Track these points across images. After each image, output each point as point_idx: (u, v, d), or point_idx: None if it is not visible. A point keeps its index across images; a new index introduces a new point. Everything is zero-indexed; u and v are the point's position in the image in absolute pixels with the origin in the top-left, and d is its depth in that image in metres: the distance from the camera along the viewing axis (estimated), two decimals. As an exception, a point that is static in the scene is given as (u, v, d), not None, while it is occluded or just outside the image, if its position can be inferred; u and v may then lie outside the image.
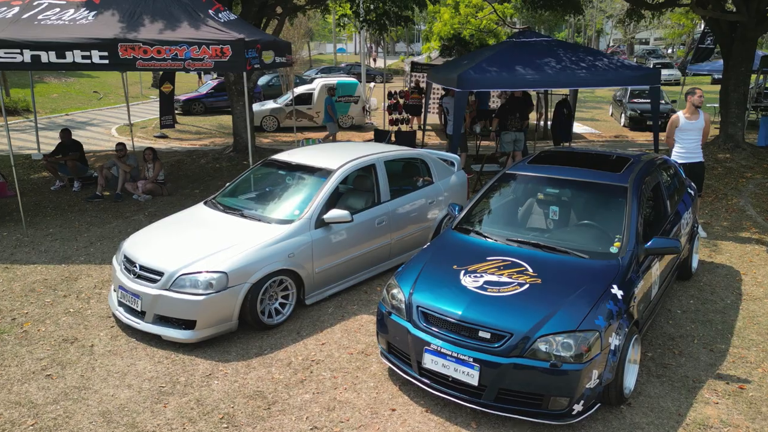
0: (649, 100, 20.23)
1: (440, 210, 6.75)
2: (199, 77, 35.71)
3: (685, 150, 7.20)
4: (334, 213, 5.34)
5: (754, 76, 15.88)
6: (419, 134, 14.18)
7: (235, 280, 4.67)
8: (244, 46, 6.98)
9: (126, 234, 7.22)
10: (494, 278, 4.04)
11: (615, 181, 4.77)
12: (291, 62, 9.35)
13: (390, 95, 17.39)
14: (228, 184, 6.32)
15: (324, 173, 5.72)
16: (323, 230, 5.37)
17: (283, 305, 5.15)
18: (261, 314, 4.91)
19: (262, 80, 28.83)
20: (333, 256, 5.47)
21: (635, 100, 20.19)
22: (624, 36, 46.36)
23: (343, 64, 38.16)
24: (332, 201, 5.69)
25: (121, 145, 9.62)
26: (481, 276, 4.08)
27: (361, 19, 13.54)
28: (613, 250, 4.26)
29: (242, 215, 5.49)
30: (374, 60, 52.84)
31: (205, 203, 5.96)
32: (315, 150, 6.65)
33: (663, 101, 20.38)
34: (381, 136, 11.95)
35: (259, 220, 5.34)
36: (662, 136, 8.52)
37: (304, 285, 5.26)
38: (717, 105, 21.26)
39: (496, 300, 3.84)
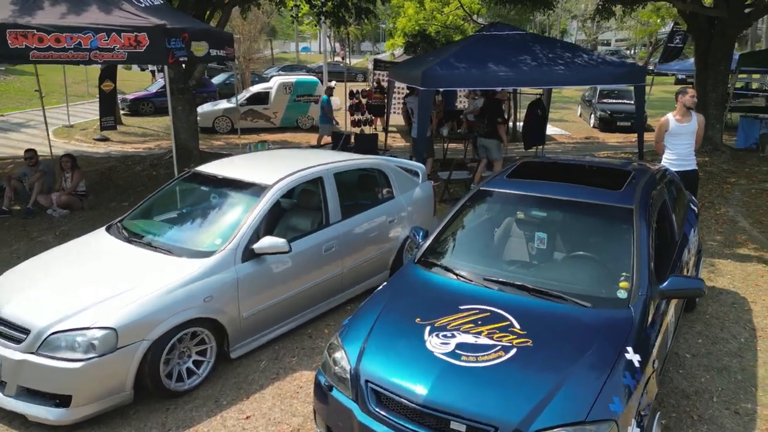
0: (619, 101, 19.88)
1: (403, 228, 5.71)
2: (153, 75, 33.86)
3: (676, 156, 6.35)
4: (267, 242, 4.23)
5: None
6: (383, 136, 13.14)
7: (128, 337, 3.52)
8: (164, 34, 5.80)
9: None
10: (470, 339, 3.00)
11: (617, 202, 3.80)
12: (232, 57, 8.17)
13: (352, 95, 16.32)
14: (141, 202, 5.14)
15: (257, 190, 4.60)
16: (253, 264, 4.26)
17: (198, 363, 4.01)
18: (167, 378, 3.77)
19: (218, 78, 27.34)
20: (267, 295, 4.36)
21: (605, 101, 19.62)
22: (588, 37, 46.38)
23: (316, 65, 36.02)
24: (267, 225, 4.58)
25: (30, 152, 8.27)
26: (453, 335, 3.04)
27: (316, 11, 12.40)
28: (621, 294, 3.28)
29: (149, 245, 4.32)
30: (342, 58, 51.59)
31: (108, 229, 4.75)
32: (253, 160, 5.53)
33: (632, 101, 19.90)
34: (339, 139, 10.87)
35: (170, 253, 4.18)
36: (649, 137, 7.70)
37: (228, 335, 4.13)
38: (686, 105, 21.02)
39: (474, 373, 2.80)
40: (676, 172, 6.26)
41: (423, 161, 7.41)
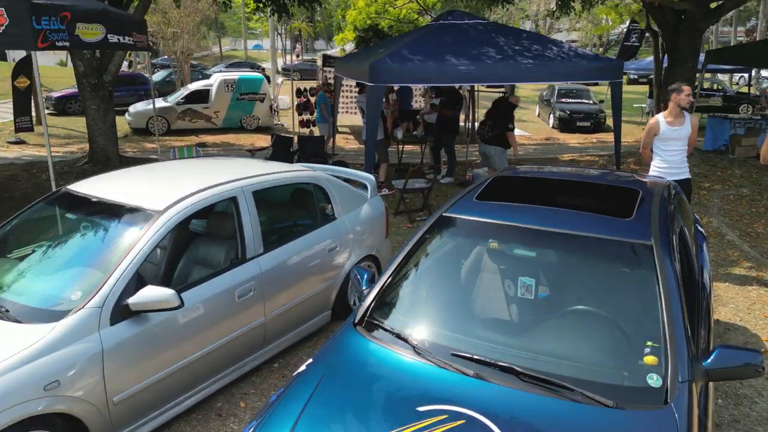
0: (578, 101, 19.34)
1: (348, 256, 4.59)
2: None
3: (667, 165, 5.46)
4: (148, 294, 3.01)
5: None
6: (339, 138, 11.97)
7: None
8: (31, 11, 4.46)
9: None
10: (434, 474, 1.89)
11: (630, 235, 2.77)
12: (144, 46, 6.83)
13: (299, 93, 15.05)
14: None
15: (141, 218, 3.37)
16: (129, 326, 3.03)
17: (40, 481, 2.76)
18: None
19: (158, 75, 25.49)
20: (150, 368, 3.13)
21: (564, 100, 19.06)
22: (542, 36, 46.45)
23: (293, 64, 33.32)
24: (154, 268, 3.36)
25: None
26: (407, 467, 1.93)
27: (253, -3, 11.11)
28: (653, 381, 2.23)
29: (-24, 303, 3.02)
30: (297, 55, 49.93)
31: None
32: (150, 174, 4.26)
33: (591, 101, 19.43)
34: (282, 144, 9.62)
35: (4, 313, 2.91)
36: (628, 141, 6.81)
37: (89, 430, 2.89)
38: (644, 105, 20.71)
39: None
40: (668, 182, 5.40)
41: (374, 168, 6.29)
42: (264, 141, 15.74)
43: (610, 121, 19.61)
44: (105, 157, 9.77)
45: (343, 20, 17.32)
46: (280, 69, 41.83)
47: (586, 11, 15.70)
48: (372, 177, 5.34)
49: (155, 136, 13.84)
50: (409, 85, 10.59)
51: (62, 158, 11.56)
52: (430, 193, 7.89)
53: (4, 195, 8.53)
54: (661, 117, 5.41)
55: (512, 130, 7.89)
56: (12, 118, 17.27)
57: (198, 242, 3.91)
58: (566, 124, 18.21)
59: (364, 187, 5.24)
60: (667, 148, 5.42)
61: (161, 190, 3.68)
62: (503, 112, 8.05)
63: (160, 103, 17.02)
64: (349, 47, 17.45)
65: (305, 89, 15.16)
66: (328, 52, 19.70)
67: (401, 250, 3.13)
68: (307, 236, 4.27)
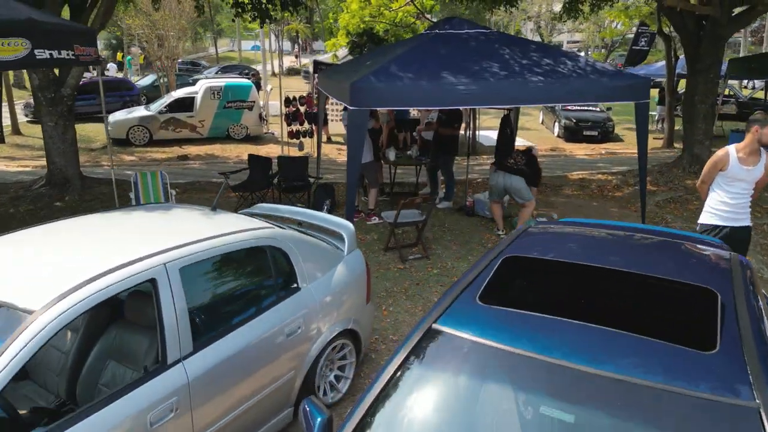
0: (585, 108, 18.33)
1: (316, 337, 3.61)
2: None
3: (728, 208, 4.48)
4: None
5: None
6: (328, 149, 10.96)
7: None
8: None
9: None
10: None
11: (721, 390, 1.78)
12: (89, 60, 5.85)
13: (288, 101, 14.05)
14: None
15: (7, 321, 2.38)
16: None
17: None
18: None
19: (145, 81, 24.46)
20: None
21: (569, 107, 18.05)
22: (543, 40, 45.41)
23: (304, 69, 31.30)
24: (25, 392, 2.37)
25: None
26: None
27: (232, 1, 10.11)
28: None
29: None
30: (296, 57, 48.78)
31: None
32: (48, 239, 3.26)
33: (598, 109, 18.44)
34: (259, 165, 8.53)
35: None
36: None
37: None
38: (654, 113, 19.70)
39: None
40: (724, 227, 4.43)
41: (363, 192, 5.30)
42: (252, 150, 14.76)
43: (618, 130, 18.75)
44: (64, 179, 8.79)
45: (335, 24, 16.31)
46: (284, 71, 40.79)
47: (593, 14, 14.71)
48: (350, 227, 4.35)
49: (136, 147, 12.87)
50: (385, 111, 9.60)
51: (31, 174, 10.55)
52: (426, 225, 6.90)
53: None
54: (732, 150, 4.42)
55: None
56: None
57: (100, 347, 2.92)
58: (572, 133, 17.26)
59: (341, 238, 4.25)
60: (733, 189, 4.43)
61: (49, 272, 2.69)
62: (532, 160, 7.15)
63: (141, 111, 16.07)
64: (343, 52, 16.45)
65: (294, 98, 14.17)
66: (320, 58, 18.68)
67: (376, 380, 2.14)
68: (259, 319, 3.28)
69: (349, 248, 4.20)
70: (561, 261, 2.71)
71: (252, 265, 3.47)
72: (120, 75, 31.13)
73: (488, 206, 8.13)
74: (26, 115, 18.92)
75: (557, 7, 24.77)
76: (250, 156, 8.83)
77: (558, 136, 17.79)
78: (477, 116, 15.53)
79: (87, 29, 5.96)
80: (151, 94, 22.01)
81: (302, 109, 13.95)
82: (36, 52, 4.80)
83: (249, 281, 3.42)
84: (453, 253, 6.81)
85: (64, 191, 8.66)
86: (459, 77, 5.43)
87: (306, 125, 13.82)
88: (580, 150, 15.93)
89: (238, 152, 14.85)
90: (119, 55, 37.24)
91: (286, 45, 63.87)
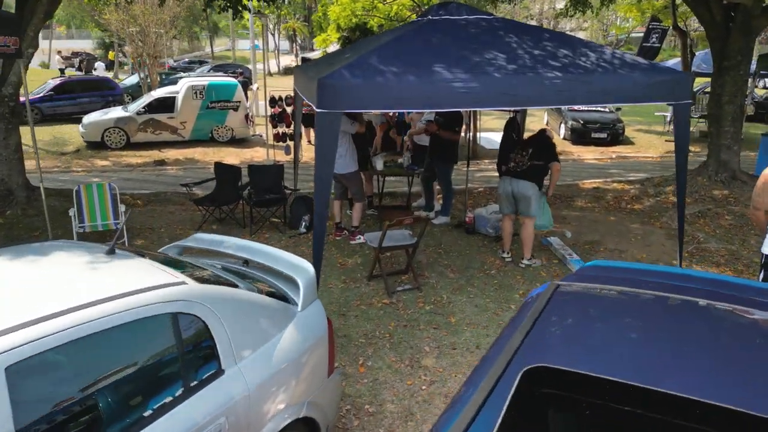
0: (592, 108, 17.20)
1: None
2: (62, 73, 29.32)
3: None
4: None
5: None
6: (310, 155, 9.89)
7: None
8: None
9: None
10: None
11: None
12: (9, 53, 4.76)
13: (273, 102, 12.96)
14: None
15: None
16: None
17: None
18: None
19: (130, 80, 23.34)
20: None
21: (577, 108, 16.94)
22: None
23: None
24: None
25: None
26: None
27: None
28: None
29: None
30: (296, 55, 47.62)
31: None
32: None
33: (607, 109, 17.33)
34: (227, 175, 7.39)
35: None
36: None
37: None
38: (666, 114, 18.60)
39: None
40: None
41: (321, 235, 4.20)
42: (235, 157, 13.70)
43: (628, 132, 17.63)
44: (7, 191, 7.69)
45: (324, 18, 15.18)
46: (281, 70, 39.50)
47: (604, 7, 13.58)
48: (309, 271, 3.24)
49: (111, 151, 11.81)
50: (380, 111, 8.44)
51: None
52: (417, 249, 5.80)
53: None
54: None
55: (559, 161, 5.89)
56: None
57: None
58: (580, 136, 16.15)
59: (293, 282, 3.16)
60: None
61: None
62: (542, 140, 6.00)
63: (118, 112, 14.98)
64: (333, 48, 15.35)
65: (280, 98, 13.08)
66: (309, 55, 17.56)
67: None
68: (151, 429, 2.19)
69: (305, 301, 3.10)
70: (619, 382, 1.61)
71: (146, 344, 2.36)
72: (110, 74, 30.07)
73: (490, 223, 7.03)
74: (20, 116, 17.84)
75: (560, 4, 23.56)
76: (217, 164, 7.73)
77: (564, 138, 16.69)
78: (478, 117, 14.43)
79: (7, 15, 4.85)
80: (137, 93, 20.92)
81: (289, 109, 12.87)
82: None
83: (138, 371, 2.31)
84: (449, 282, 5.71)
85: (6, 205, 7.57)
86: (455, 72, 4.33)
87: (292, 128, 12.72)
88: (588, 154, 14.83)
89: (220, 156, 13.76)
90: (111, 54, 36.18)
91: (285, 45, 62.86)
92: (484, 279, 5.80)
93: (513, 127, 6.86)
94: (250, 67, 29.46)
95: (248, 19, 20.31)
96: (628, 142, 16.64)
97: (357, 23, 13.55)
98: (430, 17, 5.34)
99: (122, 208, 6.53)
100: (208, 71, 29.24)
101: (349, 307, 5.16)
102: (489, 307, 5.18)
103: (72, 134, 15.65)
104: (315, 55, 16.25)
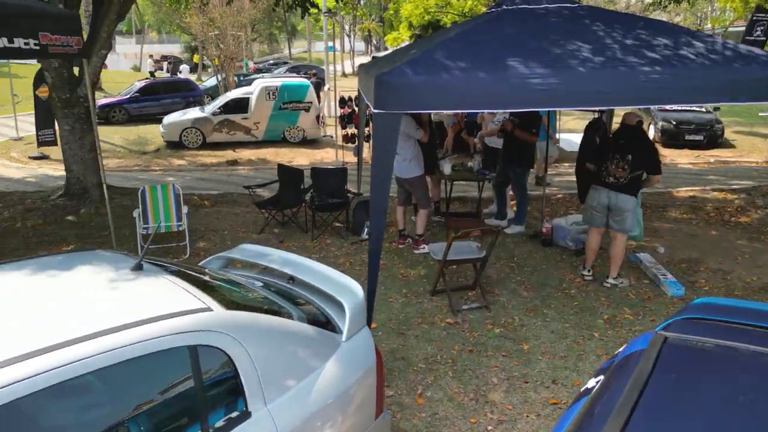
0: (686, 108, 15.77)
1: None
2: (152, 75, 30.87)
3: None
4: None
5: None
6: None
7: None
8: None
9: None
10: None
11: None
12: (65, 52, 4.72)
13: (342, 102, 12.80)
14: None
15: None
16: None
17: None
18: None
19: (210, 82, 24.10)
20: None
21: (668, 108, 15.57)
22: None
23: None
24: None
25: None
26: None
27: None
28: None
29: None
30: (373, 57, 47.86)
31: None
32: None
33: (703, 108, 15.84)
34: (290, 177, 7.14)
35: None
36: None
37: None
38: (766, 113, 16.78)
39: None
40: None
41: (376, 251, 3.79)
42: (305, 158, 13.66)
43: (728, 134, 16.01)
44: (82, 189, 7.89)
45: (396, 16, 14.80)
46: (355, 71, 39.78)
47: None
48: (357, 293, 2.85)
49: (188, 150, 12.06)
50: (443, 111, 7.83)
51: (41, 188, 9.84)
52: (486, 263, 5.27)
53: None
54: None
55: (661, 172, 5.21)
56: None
57: None
58: (671, 138, 14.82)
59: (339, 306, 2.78)
60: None
61: None
62: (642, 140, 5.25)
63: (195, 113, 15.37)
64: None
65: (350, 98, 12.88)
66: (379, 55, 17.28)
67: None
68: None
69: (350, 329, 2.71)
70: None
71: (158, 382, 2.05)
72: (193, 76, 31.35)
73: (571, 235, 6.36)
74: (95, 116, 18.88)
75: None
76: (280, 166, 7.53)
77: (654, 140, 15.38)
78: (558, 117, 13.55)
79: (64, 14, 4.82)
80: (216, 95, 21.54)
81: (357, 110, 12.65)
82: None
83: (147, 415, 1.98)
84: (522, 302, 5.14)
85: (81, 204, 7.76)
86: (532, 66, 3.79)
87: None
88: (682, 158, 13.55)
89: (291, 157, 13.77)
90: (195, 57, 37.80)
91: (361, 46, 63.38)
92: (563, 299, 5.19)
93: (597, 129, 6.15)
94: (324, 68, 29.75)
95: (323, 21, 20.46)
96: (727, 145, 15.11)
97: (430, 20, 13.06)
98: (504, 7, 4.80)
99: (185, 209, 6.45)
100: (284, 72, 29.87)
101: (409, 325, 4.73)
102: (568, 334, 4.57)
103: (154, 134, 16.26)
104: (386, 54, 15.92)
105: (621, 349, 2.19)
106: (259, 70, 30.96)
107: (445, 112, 9.55)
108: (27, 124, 16.57)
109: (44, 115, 13.35)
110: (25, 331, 1.88)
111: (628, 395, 1.55)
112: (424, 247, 6.26)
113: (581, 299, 5.19)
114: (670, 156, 13.69)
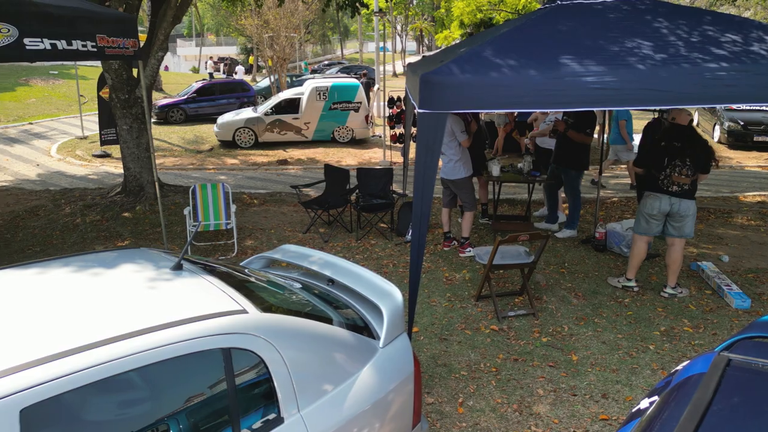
0: (755, 106, 14.87)
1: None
2: (211, 77, 31.82)
3: None
4: None
5: None
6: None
7: None
8: None
9: None
10: None
11: None
12: (121, 53, 4.86)
13: (391, 102, 12.77)
14: None
15: None
16: None
17: None
18: None
19: (264, 83, 24.57)
20: None
21: (735, 107, 14.73)
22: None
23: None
24: None
25: None
26: None
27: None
28: None
29: None
30: (424, 57, 47.71)
31: None
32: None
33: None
34: (336, 177, 7.15)
35: None
36: None
37: None
38: None
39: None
40: None
41: (418, 256, 3.69)
42: (353, 158, 13.70)
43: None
44: (138, 186, 8.16)
45: (447, 15, 14.60)
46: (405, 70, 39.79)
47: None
48: (396, 298, 2.78)
49: (240, 150, 12.34)
50: (491, 111, 7.61)
51: (99, 186, 10.24)
52: (534, 269, 5.08)
53: (14, 233, 7.14)
54: None
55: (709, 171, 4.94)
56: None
57: None
58: (739, 139, 14.02)
59: (377, 310, 2.71)
60: None
61: None
62: (698, 141, 4.96)
63: (248, 113, 15.70)
64: (457, 47, 14.74)
65: (399, 98, 12.82)
66: (429, 54, 17.10)
67: None
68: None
69: (388, 335, 2.63)
70: None
71: (189, 385, 2.03)
72: (248, 77, 32.11)
73: (626, 240, 6.07)
74: (152, 117, 19.59)
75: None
76: (326, 166, 7.54)
77: (719, 141, 14.60)
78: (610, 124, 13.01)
79: (121, 17, 4.96)
80: (269, 95, 21.97)
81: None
82: (26, 41, 3.81)
83: (178, 417, 1.97)
84: (572, 310, 4.92)
85: (137, 201, 8.03)
86: (587, 64, 3.60)
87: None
88: (750, 160, 12.76)
89: (340, 157, 13.85)
90: (251, 58, 38.73)
91: (413, 46, 63.29)
92: (616, 309, 4.93)
93: (657, 131, 5.82)
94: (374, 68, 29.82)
95: (374, 21, 20.53)
96: None
97: (482, 19, 12.82)
98: (559, 2, 4.61)
99: (233, 208, 6.55)
100: (335, 73, 30.14)
101: (452, 331, 4.61)
102: (621, 345, 4.34)
103: (209, 134, 16.72)
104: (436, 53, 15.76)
105: (679, 368, 2.02)
106: (314, 71, 31.44)
107: (495, 111, 9.35)
108: (92, 124, 17.41)
109: (107, 115, 13.96)
110: (55, 331, 1.90)
111: (686, 423, 1.40)
112: (469, 251, 6.12)
113: (636, 309, 4.92)
114: (737, 158, 12.93)
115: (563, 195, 7.03)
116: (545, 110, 6.82)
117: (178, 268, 2.51)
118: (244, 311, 2.19)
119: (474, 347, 4.37)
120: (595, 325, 4.65)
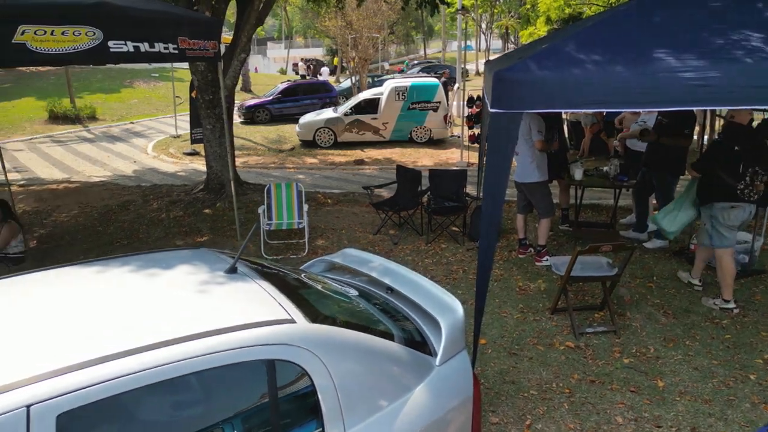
0: None
1: None
2: (302, 78, 32.70)
3: None
4: None
5: None
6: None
7: None
8: None
9: None
10: None
11: None
12: (203, 56, 4.98)
13: (471, 102, 12.44)
14: None
15: None
16: None
17: None
18: None
19: (346, 84, 24.88)
20: None
21: None
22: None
23: None
24: None
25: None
26: None
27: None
28: None
29: None
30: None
31: None
32: None
33: None
34: (408, 179, 6.97)
35: None
36: None
37: None
38: None
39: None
40: None
41: (489, 251, 3.45)
42: (429, 159, 13.52)
43: None
44: (219, 184, 8.45)
45: (533, 10, 14.00)
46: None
47: None
48: (458, 311, 2.59)
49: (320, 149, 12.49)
50: (574, 111, 7.09)
51: (183, 183, 10.69)
52: (617, 283, 4.68)
53: (106, 225, 7.61)
54: None
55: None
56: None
57: None
58: None
59: (435, 323, 2.53)
60: None
61: None
62: (761, 140, 4.51)
63: (329, 113, 15.93)
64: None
65: (478, 97, 12.47)
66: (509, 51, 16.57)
67: None
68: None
69: (446, 352, 2.45)
70: None
71: (230, 397, 1.96)
72: (332, 79, 32.72)
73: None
74: (239, 116, 20.39)
75: None
76: (399, 167, 7.41)
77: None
78: (715, 117, 11.92)
79: (203, 19, 5.09)
80: (351, 96, 22.26)
81: (488, 110, 12.20)
82: (110, 44, 3.97)
83: (215, 431, 1.90)
84: (660, 329, 4.47)
85: (218, 198, 8.31)
86: (686, 59, 3.21)
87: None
88: None
89: (416, 157, 13.71)
90: (335, 59, 39.49)
91: (499, 44, 61.91)
92: (712, 331, 4.43)
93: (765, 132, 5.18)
94: (465, 67, 29.42)
95: (458, 19, 20.18)
96: None
97: (570, 14, 12.17)
98: (654, -9, 4.18)
99: (305, 208, 6.58)
100: (417, 72, 30.03)
101: (522, 345, 4.33)
102: (716, 373, 3.87)
103: (291, 133, 17.16)
104: (521, 51, 15.19)
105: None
106: (401, 71, 31.54)
107: (581, 111, 8.81)
108: (185, 123, 18.38)
109: (196, 115, 14.69)
110: (94, 335, 1.88)
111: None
112: (546, 259, 5.76)
113: (735, 332, 4.39)
114: None
115: (654, 202, 6.47)
116: (636, 110, 6.31)
117: (232, 271, 2.46)
118: (291, 321, 2.09)
119: (546, 365, 4.06)
120: (687, 348, 4.19)
